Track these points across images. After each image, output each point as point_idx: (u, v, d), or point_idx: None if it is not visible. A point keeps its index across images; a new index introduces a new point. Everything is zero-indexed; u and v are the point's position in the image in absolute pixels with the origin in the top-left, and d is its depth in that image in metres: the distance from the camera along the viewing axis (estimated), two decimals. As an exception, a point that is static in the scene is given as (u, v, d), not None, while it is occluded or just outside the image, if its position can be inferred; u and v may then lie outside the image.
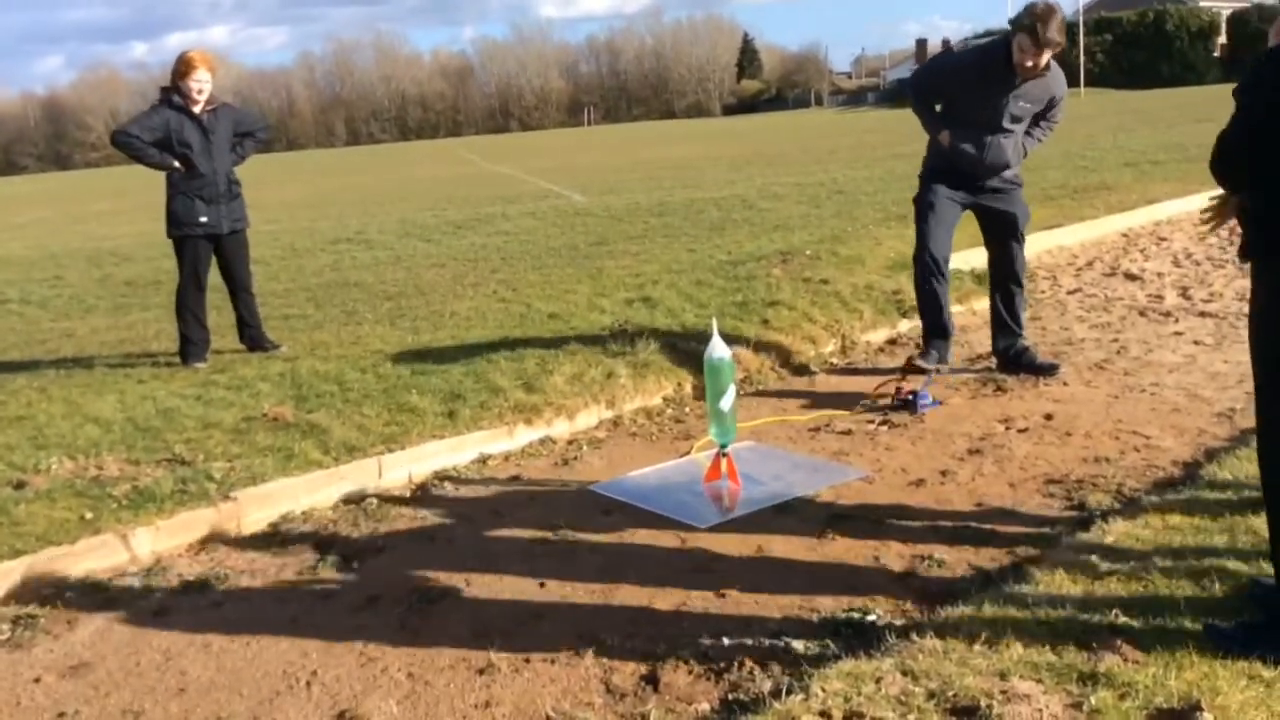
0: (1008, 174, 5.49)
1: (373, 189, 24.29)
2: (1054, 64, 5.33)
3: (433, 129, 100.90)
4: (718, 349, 4.21)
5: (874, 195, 12.55)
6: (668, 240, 10.10)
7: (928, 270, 5.47)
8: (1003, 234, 5.59)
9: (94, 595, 3.63)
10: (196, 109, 6.23)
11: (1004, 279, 5.65)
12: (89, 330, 7.91)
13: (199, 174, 6.21)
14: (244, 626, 3.34)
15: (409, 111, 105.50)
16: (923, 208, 5.50)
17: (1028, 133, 5.50)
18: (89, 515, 3.95)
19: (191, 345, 6.35)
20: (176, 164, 6.19)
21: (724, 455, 4.26)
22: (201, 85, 6.20)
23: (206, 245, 6.37)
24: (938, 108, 5.54)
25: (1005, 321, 5.67)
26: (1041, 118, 5.51)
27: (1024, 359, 5.62)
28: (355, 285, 9.09)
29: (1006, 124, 5.32)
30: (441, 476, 4.67)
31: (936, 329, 5.54)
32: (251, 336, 6.58)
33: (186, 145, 6.19)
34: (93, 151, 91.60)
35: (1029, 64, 5.09)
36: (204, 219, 6.26)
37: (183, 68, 6.22)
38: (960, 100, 5.41)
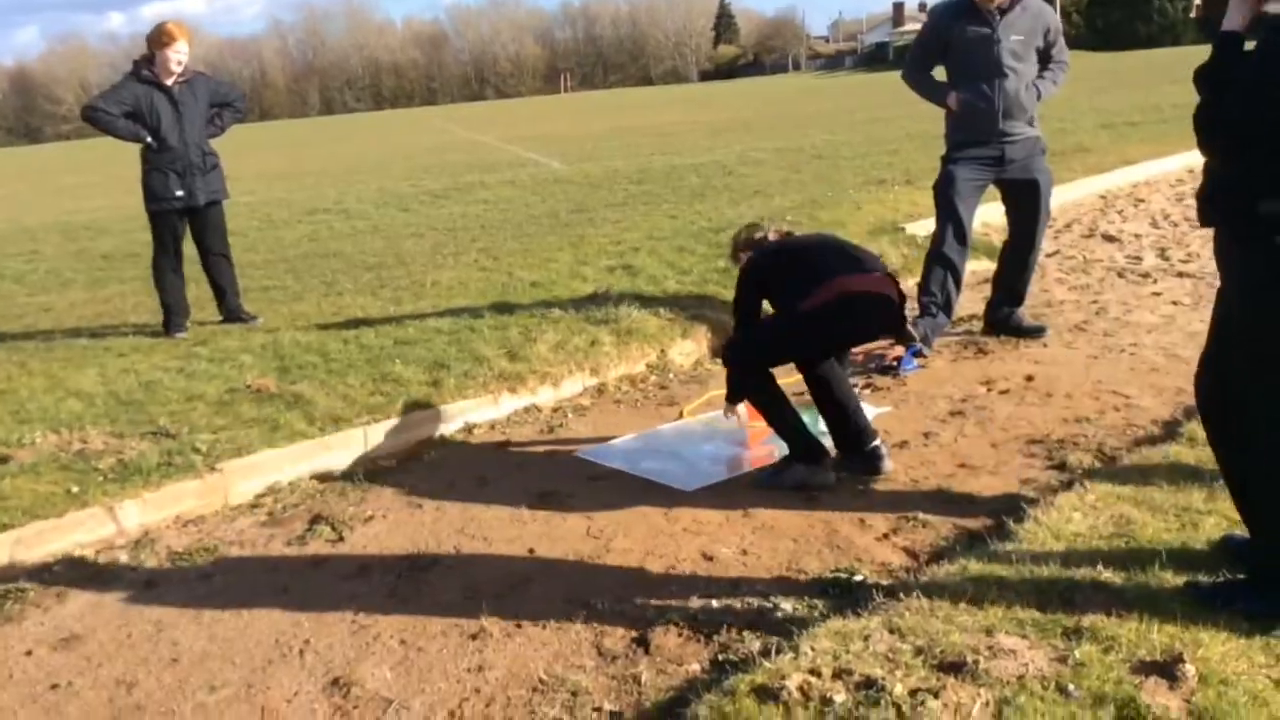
0: (1030, 131, 5.33)
1: (349, 158, 24.09)
2: None
3: (407, 97, 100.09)
4: None
5: (853, 160, 12.56)
6: (648, 207, 10.08)
7: (943, 270, 5.38)
8: (1028, 203, 5.44)
9: (83, 568, 3.63)
10: (170, 81, 6.17)
11: (1024, 248, 5.52)
12: (67, 304, 7.85)
13: (169, 147, 6.16)
14: (235, 597, 3.35)
15: (383, 80, 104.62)
16: (943, 201, 5.37)
17: (1040, 75, 5.34)
18: (75, 489, 3.94)
19: (174, 316, 6.32)
20: (148, 136, 6.14)
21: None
22: (180, 57, 6.16)
23: (181, 218, 6.33)
24: (941, 76, 5.45)
25: (1014, 289, 5.60)
26: (1046, 57, 5.36)
27: (1012, 322, 5.63)
28: (334, 256, 9.05)
29: (1008, 62, 5.19)
30: (428, 445, 4.68)
31: (933, 326, 5.41)
32: (229, 306, 6.54)
33: (156, 119, 6.14)
34: (64, 124, 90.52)
35: None
36: (179, 193, 6.23)
37: (164, 38, 6.14)
38: (954, 55, 5.33)
